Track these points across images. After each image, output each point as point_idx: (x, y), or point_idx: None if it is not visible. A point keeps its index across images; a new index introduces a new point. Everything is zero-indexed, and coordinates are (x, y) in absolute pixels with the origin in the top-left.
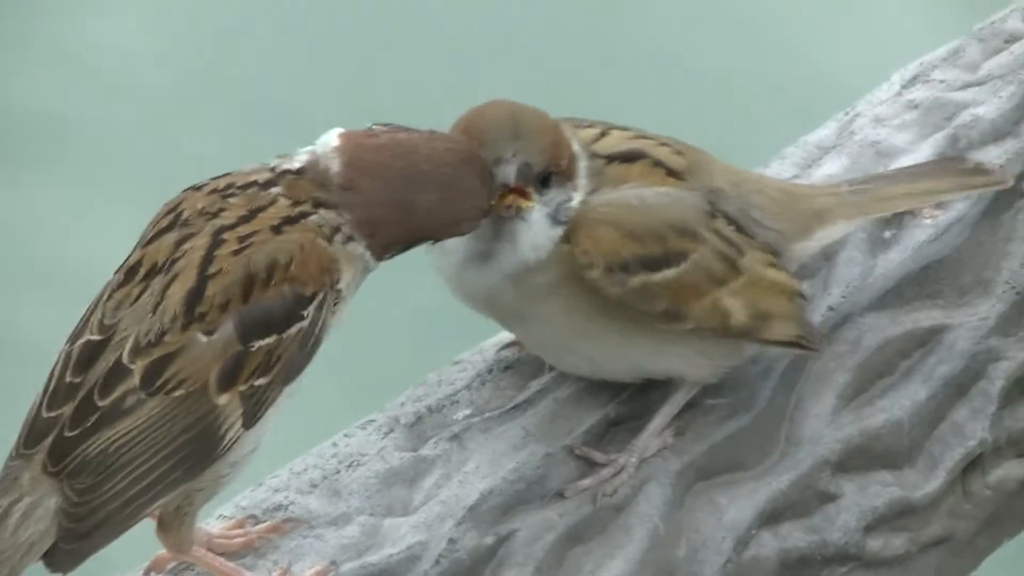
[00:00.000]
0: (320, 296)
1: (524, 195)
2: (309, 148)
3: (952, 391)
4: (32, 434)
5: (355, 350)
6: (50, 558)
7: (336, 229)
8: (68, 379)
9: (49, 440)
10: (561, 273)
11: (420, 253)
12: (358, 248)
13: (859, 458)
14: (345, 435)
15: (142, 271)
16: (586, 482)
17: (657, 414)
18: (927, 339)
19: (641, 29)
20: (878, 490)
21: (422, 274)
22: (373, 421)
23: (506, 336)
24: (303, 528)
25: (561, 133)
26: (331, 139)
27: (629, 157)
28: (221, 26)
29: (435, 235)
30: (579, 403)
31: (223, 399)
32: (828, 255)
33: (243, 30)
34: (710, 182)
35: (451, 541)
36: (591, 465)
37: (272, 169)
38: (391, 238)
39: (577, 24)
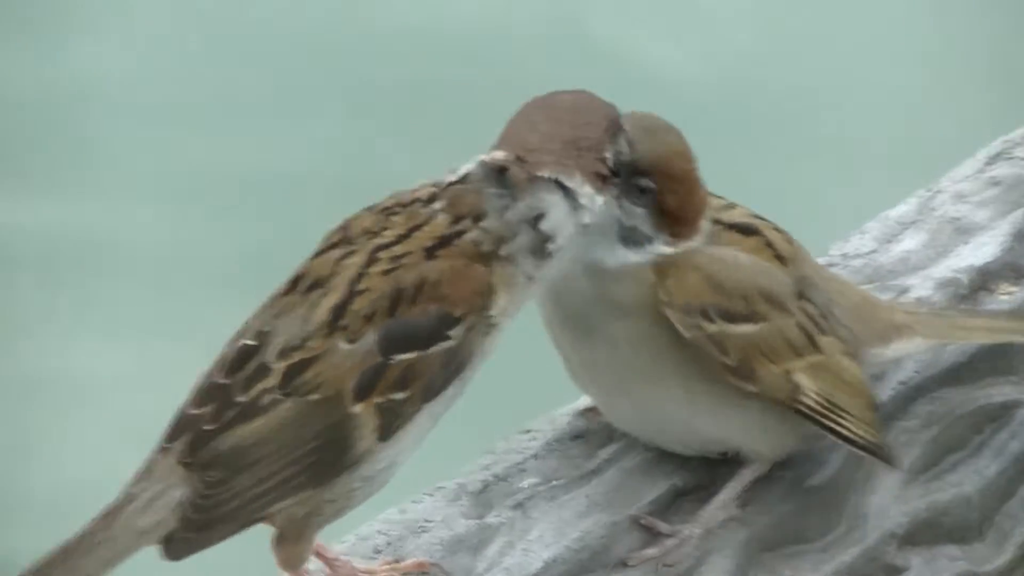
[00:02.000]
0: (470, 319)
1: (603, 180)
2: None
3: (1022, 468)
4: (175, 429)
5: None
6: (167, 545)
7: (500, 240)
8: (218, 380)
9: (189, 434)
10: (640, 298)
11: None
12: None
13: (927, 532)
14: (413, 501)
15: (304, 284)
16: (650, 552)
17: (724, 488)
18: (999, 414)
19: (728, 96)
20: (945, 564)
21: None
22: (441, 488)
23: (579, 404)
24: None
25: (693, 173)
26: None
27: (746, 230)
28: None
29: (574, 149)
30: (646, 473)
31: (358, 408)
32: None
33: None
34: (804, 271)
35: None
36: (655, 535)
37: (437, 184)
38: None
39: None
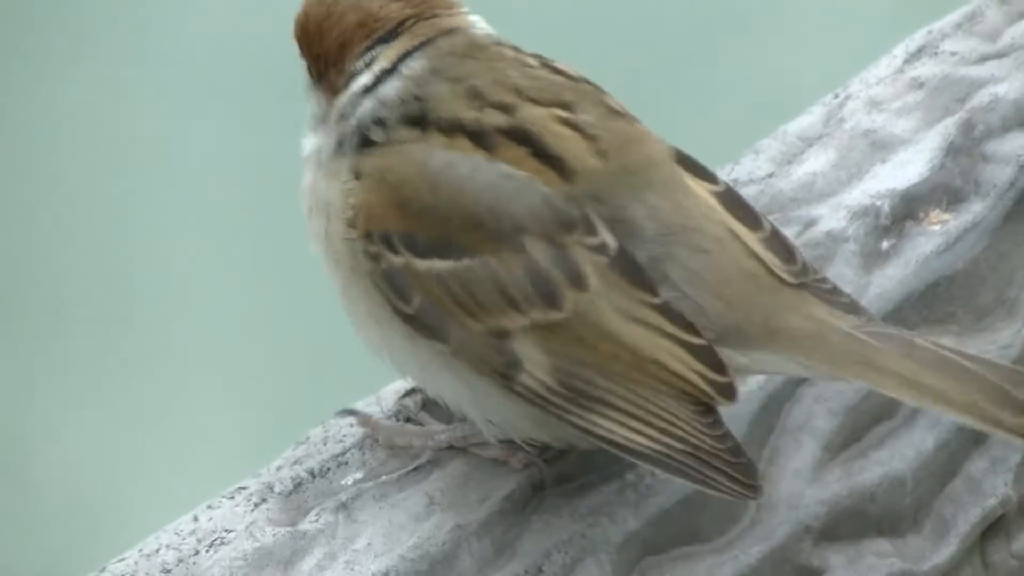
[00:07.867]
0: None
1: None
2: None
3: (967, 438)
4: None
5: (226, 403)
6: None
7: None
8: None
9: None
10: (336, 209)
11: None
12: None
13: (850, 524)
14: (208, 507)
15: None
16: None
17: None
18: None
19: None
20: (873, 562)
21: (308, 311)
22: (243, 489)
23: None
24: None
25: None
26: None
27: (519, 139)
28: None
29: None
30: (498, 462)
31: None
32: None
33: None
34: (623, 208)
35: None
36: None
37: None
38: None
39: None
